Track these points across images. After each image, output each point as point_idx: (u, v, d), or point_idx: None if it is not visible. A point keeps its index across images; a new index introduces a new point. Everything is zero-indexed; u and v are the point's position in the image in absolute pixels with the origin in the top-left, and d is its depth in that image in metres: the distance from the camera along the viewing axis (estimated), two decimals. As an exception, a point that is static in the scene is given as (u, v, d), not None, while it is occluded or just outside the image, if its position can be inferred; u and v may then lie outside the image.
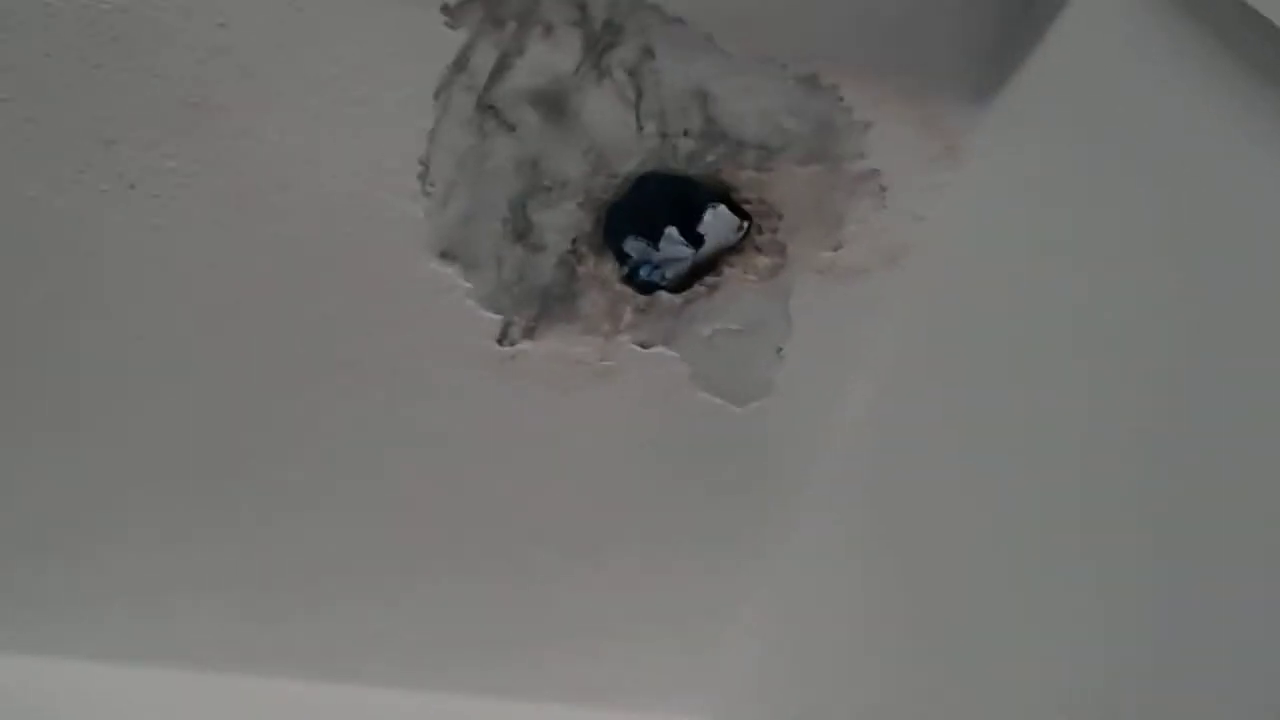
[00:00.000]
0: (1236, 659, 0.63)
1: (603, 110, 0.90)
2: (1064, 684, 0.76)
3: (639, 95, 0.89)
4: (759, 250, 1.00)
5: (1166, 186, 0.73)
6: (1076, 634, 0.76)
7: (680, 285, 1.02)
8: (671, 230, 0.98)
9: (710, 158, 0.93)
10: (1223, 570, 0.64)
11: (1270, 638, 0.60)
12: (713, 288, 1.01)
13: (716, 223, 0.98)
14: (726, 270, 1.01)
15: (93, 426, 1.02)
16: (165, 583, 1.17)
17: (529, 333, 1.01)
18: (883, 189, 0.96)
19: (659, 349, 1.04)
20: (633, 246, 0.99)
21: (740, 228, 0.98)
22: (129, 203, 0.87)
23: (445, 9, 0.83)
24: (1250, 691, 0.61)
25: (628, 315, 1.02)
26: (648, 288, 1.01)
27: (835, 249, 0.99)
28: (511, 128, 0.89)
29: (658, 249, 0.99)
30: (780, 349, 1.05)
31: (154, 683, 1.23)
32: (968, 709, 0.88)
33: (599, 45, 0.87)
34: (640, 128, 0.91)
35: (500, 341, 1.01)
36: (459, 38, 0.84)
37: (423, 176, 0.90)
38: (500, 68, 0.86)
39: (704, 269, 1.01)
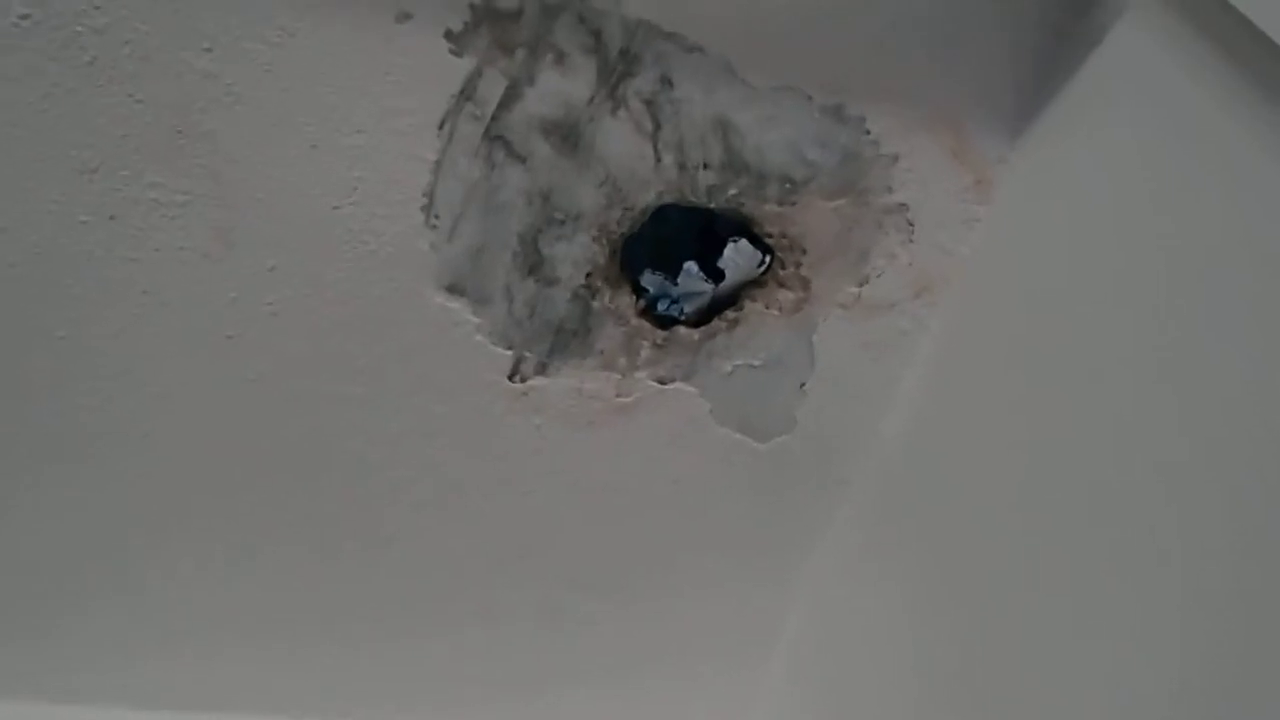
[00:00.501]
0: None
1: (618, 141, 0.86)
2: (1108, 703, 0.74)
3: (656, 126, 0.85)
4: (781, 284, 0.96)
5: (1201, 224, 0.71)
6: (1118, 660, 0.74)
7: (700, 319, 0.98)
8: (691, 265, 0.94)
9: (731, 190, 0.89)
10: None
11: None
12: (733, 322, 0.97)
13: (737, 257, 0.94)
14: (748, 304, 0.97)
15: (94, 467, 0.99)
16: (183, 627, 1.15)
17: (542, 369, 0.97)
18: (910, 223, 0.92)
19: (678, 385, 1.00)
20: (650, 281, 0.95)
21: (762, 262, 0.94)
22: (110, 235, 0.83)
23: (450, 35, 0.79)
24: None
25: (645, 350, 0.98)
26: (666, 322, 0.97)
27: (861, 284, 0.95)
28: (522, 159, 0.85)
29: (676, 283, 0.95)
30: (803, 384, 1.01)
31: None
32: (1010, 711, 0.86)
33: (614, 74, 0.83)
34: (658, 159, 0.87)
35: (511, 378, 0.97)
36: (465, 65, 0.80)
37: (427, 209, 0.86)
38: (510, 97, 0.82)
39: (724, 303, 0.97)
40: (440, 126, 0.82)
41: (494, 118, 0.83)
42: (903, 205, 0.91)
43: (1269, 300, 0.65)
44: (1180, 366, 0.71)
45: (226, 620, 1.15)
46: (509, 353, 0.96)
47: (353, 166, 0.83)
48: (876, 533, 1.10)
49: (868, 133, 0.87)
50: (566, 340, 0.96)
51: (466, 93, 0.81)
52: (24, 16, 0.73)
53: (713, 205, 0.90)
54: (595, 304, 0.94)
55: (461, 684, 1.28)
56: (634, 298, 0.96)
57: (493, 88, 0.82)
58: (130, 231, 0.83)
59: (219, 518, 1.05)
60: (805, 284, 0.95)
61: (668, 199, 0.89)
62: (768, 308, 0.97)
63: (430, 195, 0.86)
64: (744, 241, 0.93)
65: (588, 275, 0.93)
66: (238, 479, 1.02)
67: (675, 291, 0.96)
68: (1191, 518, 0.69)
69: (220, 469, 1.01)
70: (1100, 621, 0.76)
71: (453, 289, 0.91)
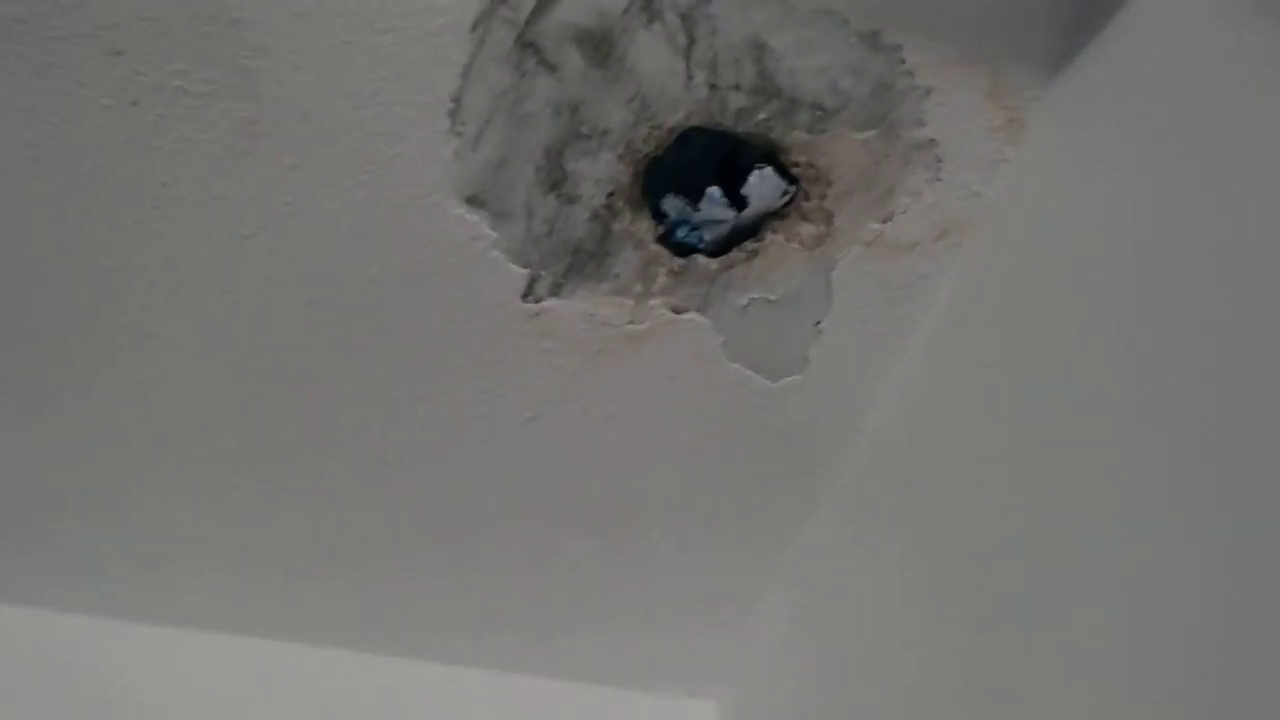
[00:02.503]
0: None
1: (651, 56, 0.84)
2: (1098, 677, 0.73)
3: (691, 42, 0.84)
4: (804, 217, 0.94)
5: (1245, 175, 0.69)
6: (1116, 631, 0.73)
7: (718, 249, 0.96)
8: (714, 190, 0.93)
9: (761, 115, 0.88)
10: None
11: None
12: (752, 254, 0.96)
13: (762, 185, 0.92)
14: (768, 236, 0.96)
15: (93, 368, 0.97)
16: (180, 545, 1.15)
17: (556, 290, 0.96)
18: (939, 160, 0.91)
19: (692, 315, 0.99)
20: (671, 205, 0.94)
21: (786, 192, 0.93)
22: (131, 121, 0.82)
23: (489, -66, 0.78)
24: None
25: (661, 277, 0.97)
26: (684, 249, 0.96)
27: (884, 221, 0.94)
28: (552, 68, 0.84)
29: (697, 209, 0.94)
30: (819, 323, 1.00)
31: (163, 641, 1.23)
32: (995, 698, 0.85)
33: (652, -16, 0.81)
34: (689, 77, 0.86)
35: (525, 297, 0.96)
36: (502, -34, 0.79)
37: (453, 114, 0.85)
38: (545, 2, 0.81)
39: (744, 233, 0.96)
40: (473, 29, 0.81)
41: (528, 23, 0.81)
42: (932, 141, 0.89)
43: None
44: (1218, 327, 0.69)
45: (216, 537, 1.14)
46: (524, 271, 0.94)
47: (381, 65, 0.81)
48: (881, 481, 1.09)
49: (903, 62, 0.85)
50: (583, 262, 0.95)
51: (502, -5, 0.80)
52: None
53: (740, 129, 0.89)
54: (615, 226, 0.93)
55: (449, 618, 1.28)
56: (654, 223, 0.95)
57: (528, -9, 0.80)
58: (152, 119, 0.82)
59: (220, 428, 1.04)
60: (828, 218, 0.94)
61: (696, 120, 0.88)
62: (788, 241, 0.95)
63: (457, 101, 0.84)
64: (769, 169, 0.92)
65: (609, 195, 0.91)
66: (242, 389, 1.01)
67: (696, 218, 0.94)
68: (1219, 489, 0.67)
69: (225, 377, 1.00)
70: (1103, 590, 0.75)
71: (473, 201, 0.90)
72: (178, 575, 1.16)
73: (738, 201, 0.94)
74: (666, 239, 0.95)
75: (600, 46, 0.83)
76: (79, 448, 1.03)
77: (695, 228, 0.95)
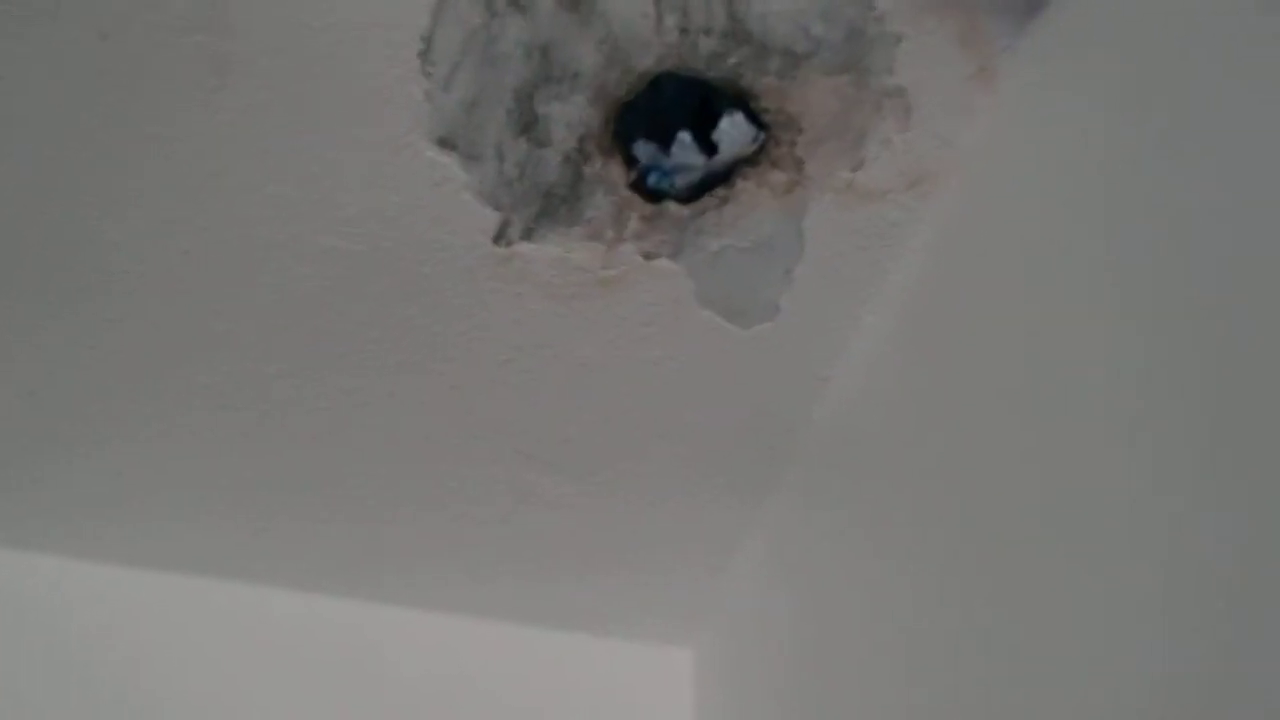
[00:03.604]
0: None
1: (622, -2, 0.84)
2: (1068, 638, 0.74)
3: (661, -15, 0.84)
4: (775, 164, 0.95)
5: (1212, 127, 0.69)
6: (1087, 589, 0.73)
7: (690, 195, 0.97)
8: (685, 135, 0.93)
9: (732, 60, 0.88)
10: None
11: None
12: (724, 200, 0.97)
13: (733, 131, 0.93)
14: (740, 183, 0.96)
15: (67, 309, 0.98)
16: (167, 488, 1.16)
17: (528, 233, 0.97)
18: (910, 108, 0.91)
19: (663, 261, 1.00)
20: (643, 150, 0.94)
21: (757, 138, 0.93)
22: (101, 54, 0.82)
23: None
24: None
25: (633, 223, 0.97)
26: (656, 195, 0.97)
27: (855, 169, 0.94)
28: (523, 8, 0.84)
29: (669, 154, 0.94)
30: (789, 271, 1.01)
31: (146, 585, 1.25)
32: (970, 643, 0.85)
33: (623, -74, 0.81)
34: (660, 21, 0.86)
35: (497, 240, 0.96)
36: (473, -96, 0.79)
37: (424, 55, 0.85)
38: (515, -58, 0.81)
39: (716, 180, 0.96)
40: (443, -33, 0.81)
41: (498, -38, 0.82)
42: (902, 88, 0.90)
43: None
44: (1189, 274, 0.69)
45: (184, 477, 1.15)
46: (496, 214, 0.95)
47: (353, 3, 0.82)
48: (853, 430, 1.09)
49: (874, 8, 0.86)
50: (555, 206, 0.95)
51: (472, -67, 0.80)
52: None
53: (711, 74, 0.89)
54: (586, 170, 0.94)
55: (424, 561, 1.29)
56: (626, 168, 0.95)
57: (499, -71, 0.81)
58: (123, 53, 0.82)
59: (192, 366, 1.05)
60: (799, 165, 0.94)
61: (667, 64, 0.88)
62: (759, 187, 0.96)
63: (428, 40, 0.84)
64: (740, 115, 0.92)
65: (580, 139, 0.92)
66: (213, 327, 1.02)
67: (667, 163, 0.95)
68: (1194, 448, 0.66)
69: (197, 315, 1.01)
70: (1074, 549, 0.75)
71: (444, 142, 0.90)
72: (146, 515, 1.17)
73: (709, 147, 0.94)
74: (639, 184, 0.96)
75: (571, -13, 0.84)
76: (47, 386, 1.04)
77: (667, 173, 0.96)
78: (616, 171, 0.95)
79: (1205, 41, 0.70)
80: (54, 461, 1.12)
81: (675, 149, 0.94)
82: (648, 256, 1.00)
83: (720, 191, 0.97)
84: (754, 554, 1.28)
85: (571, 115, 0.90)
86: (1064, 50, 0.85)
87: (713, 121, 0.93)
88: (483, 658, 1.35)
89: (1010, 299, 0.87)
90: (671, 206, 0.97)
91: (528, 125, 0.90)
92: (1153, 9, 0.75)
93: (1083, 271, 0.79)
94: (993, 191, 0.92)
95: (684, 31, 0.86)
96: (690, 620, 1.38)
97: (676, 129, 0.94)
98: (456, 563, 1.29)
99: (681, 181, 0.96)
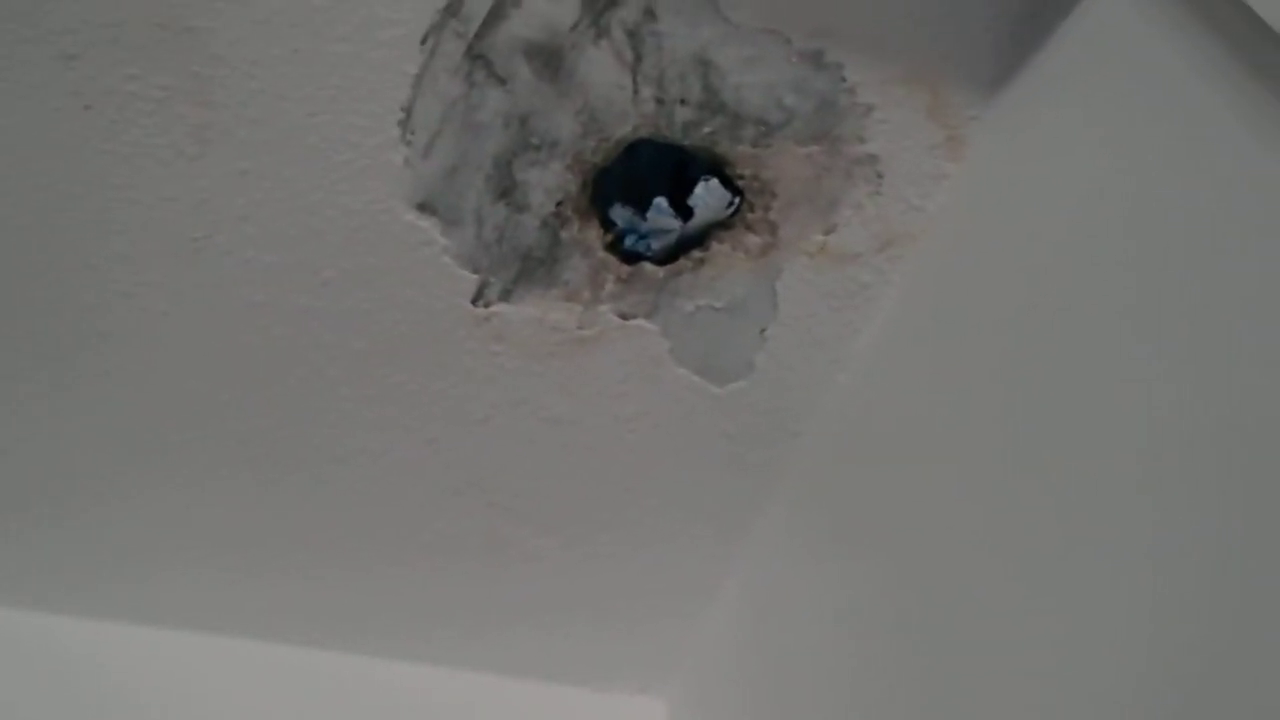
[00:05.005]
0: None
1: (599, 70, 0.86)
2: (1051, 679, 0.75)
3: (638, 58, 0.86)
4: (749, 228, 0.97)
5: (1175, 193, 0.71)
6: (1067, 635, 0.74)
7: (666, 258, 0.98)
8: (660, 200, 0.95)
9: (707, 129, 0.90)
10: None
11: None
12: (699, 262, 0.98)
13: (708, 196, 0.94)
14: (715, 246, 0.98)
15: (44, 366, 0.98)
16: (149, 545, 1.16)
17: (506, 295, 0.98)
18: (880, 175, 0.93)
19: (640, 321, 1.01)
20: (619, 214, 0.96)
21: (732, 203, 0.95)
22: (84, 124, 0.83)
23: (439, -50, 0.79)
24: None
25: (610, 284, 0.99)
26: (632, 257, 0.98)
27: (827, 232, 0.96)
28: (502, 80, 0.86)
29: (645, 219, 0.96)
30: (764, 330, 1.03)
31: (138, 641, 1.24)
32: (946, 697, 0.86)
33: (600, 2, 0.83)
34: (636, 91, 0.87)
35: (475, 302, 0.98)
36: (452, -20, 0.81)
37: (404, 123, 0.86)
38: (495, 16, 0.82)
39: (691, 243, 0.98)
40: (423, 41, 0.83)
41: (478, 35, 0.83)
42: (873, 156, 0.92)
43: (1250, 266, 0.64)
44: (1147, 337, 0.71)
45: (159, 533, 1.15)
46: (475, 276, 0.96)
47: (333, 74, 0.83)
48: (828, 484, 1.11)
49: (844, 80, 0.88)
50: (533, 268, 0.97)
51: (452, 9, 0.81)
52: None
53: (687, 142, 0.91)
54: (564, 234, 0.95)
55: (401, 614, 1.29)
56: (602, 231, 0.96)
57: (478, 6, 0.82)
58: (104, 123, 0.83)
59: (171, 426, 1.05)
60: (773, 229, 0.96)
61: (643, 133, 0.90)
62: (734, 250, 0.98)
63: (408, 110, 0.86)
64: (715, 181, 0.94)
65: (558, 204, 0.93)
66: (194, 387, 1.02)
67: (644, 227, 0.96)
68: (1161, 486, 0.68)
69: (177, 376, 1.01)
70: (1053, 590, 0.76)
71: (424, 207, 0.91)
72: (120, 571, 1.17)
73: (685, 212, 0.96)
74: (615, 247, 0.97)
75: (549, 60, 0.85)
76: (19, 445, 1.04)
77: (643, 236, 0.97)
78: (593, 235, 0.96)
79: (1172, 110, 0.72)
80: (18, 521, 1.12)
81: (651, 213, 0.96)
82: (624, 316, 1.01)
83: (696, 254, 0.98)
84: (728, 604, 1.29)
85: (549, 181, 0.92)
86: (1030, 120, 0.87)
87: (688, 187, 0.95)
88: (457, 707, 1.35)
89: (979, 359, 0.89)
90: (647, 268, 0.98)
91: (506, 191, 0.92)
92: (1118, 80, 0.78)
93: (1050, 332, 0.81)
94: (962, 254, 0.94)
95: (660, 102, 0.88)
96: (663, 670, 1.38)
97: (653, 194, 0.96)
98: (431, 614, 1.29)
99: (658, 244, 0.97)
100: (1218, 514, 0.63)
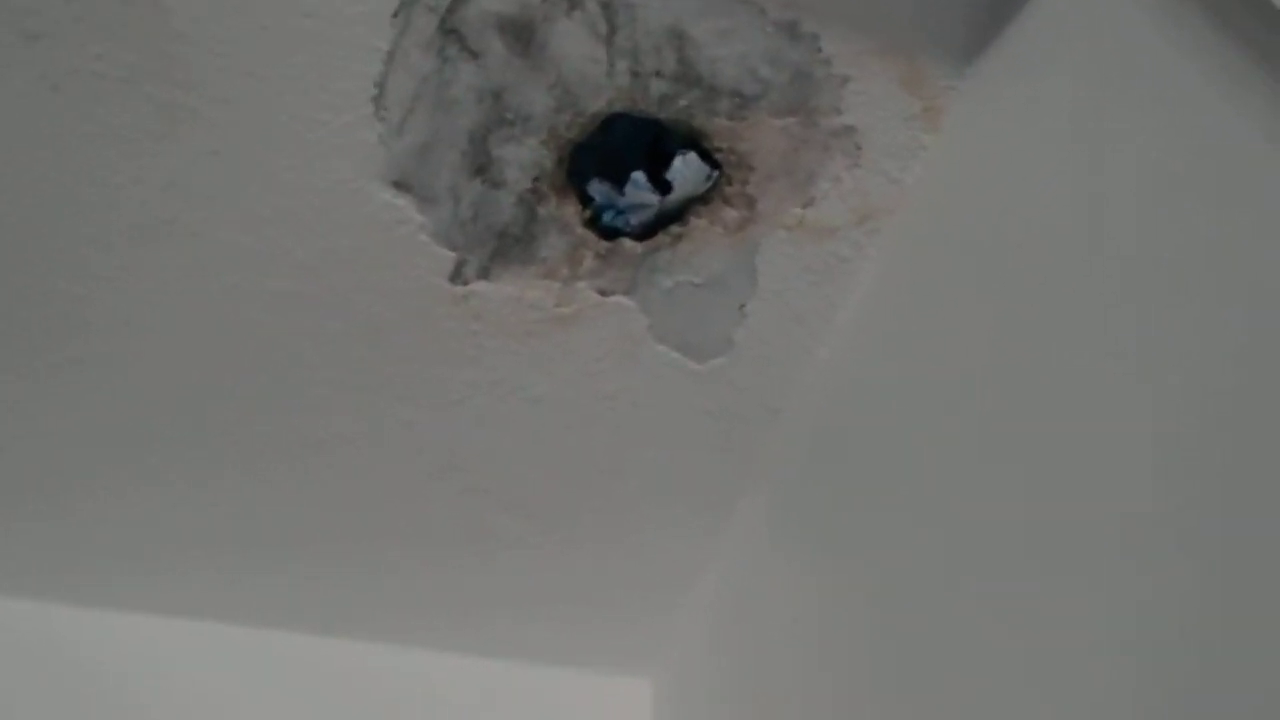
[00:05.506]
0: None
1: (572, 43, 0.85)
2: (1022, 663, 0.75)
3: (612, 30, 0.85)
4: (727, 202, 0.96)
5: (1151, 161, 0.70)
6: (1039, 613, 0.74)
7: (644, 233, 0.98)
8: (638, 175, 0.94)
9: (683, 102, 0.89)
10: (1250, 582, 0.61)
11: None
12: (677, 237, 0.98)
13: (686, 170, 0.94)
14: (693, 221, 0.97)
15: (20, 355, 0.97)
16: (131, 535, 1.16)
17: (484, 272, 0.97)
18: (858, 147, 0.93)
19: (618, 298, 1.01)
20: (597, 190, 0.95)
21: (710, 177, 0.94)
22: (51, 106, 0.81)
23: (409, -78, 0.78)
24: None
25: (588, 260, 0.98)
26: (610, 233, 0.97)
27: (805, 206, 0.96)
28: (475, 55, 0.85)
29: (623, 194, 0.95)
30: (743, 306, 1.02)
31: (134, 629, 1.24)
32: (921, 675, 0.86)
33: (571, -27, 0.82)
34: (611, 65, 0.87)
35: (453, 280, 0.97)
36: (423, -46, 0.80)
37: (377, 100, 0.85)
38: (465, -10, 0.82)
39: (670, 218, 0.97)
40: (394, 16, 0.82)
41: (449, 10, 0.82)
42: (850, 128, 0.91)
43: (1220, 235, 0.64)
44: (1124, 306, 0.71)
45: (143, 522, 1.14)
46: (452, 254, 0.95)
47: (302, 50, 0.82)
48: (809, 462, 1.10)
49: (819, 51, 0.87)
50: (510, 246, 0.96)
51: (422, -18, 0.81)
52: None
53: (663, 115, 0.90)
54: (541, 210, 0.94)
55: (388, 599, 1.28)
56: (580, 207, 0.96)
57: (449, -21, 0.81)
58: (71, 103, 0.82)
59: (149, 412, 1.04)
60: (750, 203, 0.95)
61: (619, 106, 0.89)
62: (712, 225, 0.97)
63: (381, 86, 0.85)
64: (693, 154, 0.93)
65: (535, 180, 0.92)
66: (170, 373, 1.01)
67: (621, 202, 0.96)
68: (1143, 456, 0.68)
69: (153, 361, 1.00)
70: (1032, 563, 0.76)
71: (399, 185, 0.90)
72: (101, 560, 1.16)
73: (663, 186, 0.95)
74: (593, 223, 0.96)
75: (522, 34, 0.84)
76: (11, 436, 1.03)
77: (621, 212, 0.96)
78: (571, 211, 0.95)
79: (1147, 77, 0.71)
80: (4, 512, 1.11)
81: (629, 188, 0.95)
82: (603, 293, 1.00)
83: (674, 229, 0.98)
84: (711, 585, 1.29)
85: (525, 157, 0.91)
86: (1006, 90, 0.86)
87: (666, 161, 0.94)
88: (442, 690, 1.34)
89: (958, 331, 0.89)
90: (626, 244, 0.98)
91: (482, 167, 0.91)
92: (1094, 49, 0.77)
93: (1028, 303, 0.81)
94: (939, 228, 0.93)
95: (635, 75, 0.87)
96: (648, 651, 1.38)
97: (630, 168, 0.95)
98: (415, 597, 1.29)
99: (636, 220, 0.97)
100: (1200, 483, 0.63)
